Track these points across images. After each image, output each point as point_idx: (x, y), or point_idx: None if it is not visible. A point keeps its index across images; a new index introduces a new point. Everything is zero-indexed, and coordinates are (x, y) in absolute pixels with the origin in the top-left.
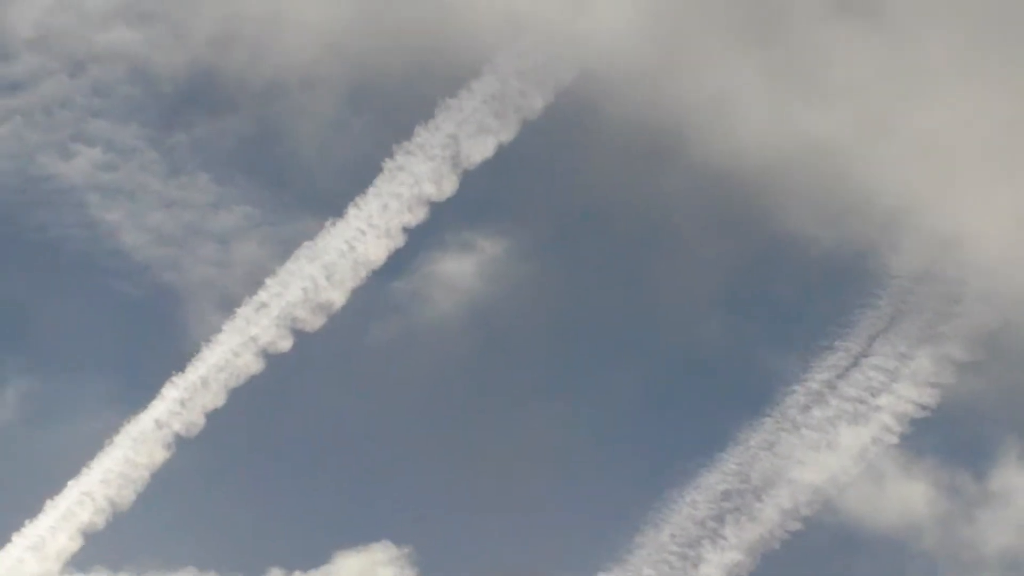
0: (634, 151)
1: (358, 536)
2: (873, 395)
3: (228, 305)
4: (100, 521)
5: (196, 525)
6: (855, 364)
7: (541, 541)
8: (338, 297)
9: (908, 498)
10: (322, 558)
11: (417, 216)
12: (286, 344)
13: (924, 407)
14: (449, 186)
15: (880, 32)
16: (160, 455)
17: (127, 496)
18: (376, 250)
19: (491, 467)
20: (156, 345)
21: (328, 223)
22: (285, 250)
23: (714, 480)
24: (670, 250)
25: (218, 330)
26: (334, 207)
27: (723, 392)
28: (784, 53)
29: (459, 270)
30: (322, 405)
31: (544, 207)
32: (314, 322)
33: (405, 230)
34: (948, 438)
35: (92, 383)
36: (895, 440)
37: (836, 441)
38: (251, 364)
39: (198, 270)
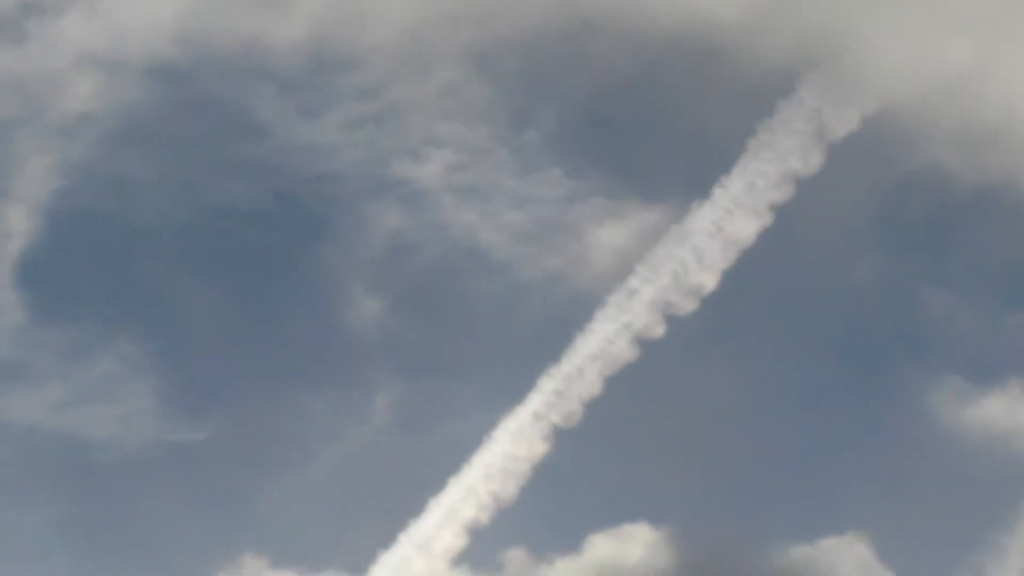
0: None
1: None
2: None
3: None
4: (484, 516)
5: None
6: None
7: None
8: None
9: None
10: None
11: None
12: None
13: None
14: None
15: None
16: (540, 447)
17: (510, 490)
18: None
19: None
20: (525, 339)
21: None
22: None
23: None
24: None
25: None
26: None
27: None
28: None
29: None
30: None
31: None
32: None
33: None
34: None
35: (462, 383)
36: None
37: None
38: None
39: (556, 264)
